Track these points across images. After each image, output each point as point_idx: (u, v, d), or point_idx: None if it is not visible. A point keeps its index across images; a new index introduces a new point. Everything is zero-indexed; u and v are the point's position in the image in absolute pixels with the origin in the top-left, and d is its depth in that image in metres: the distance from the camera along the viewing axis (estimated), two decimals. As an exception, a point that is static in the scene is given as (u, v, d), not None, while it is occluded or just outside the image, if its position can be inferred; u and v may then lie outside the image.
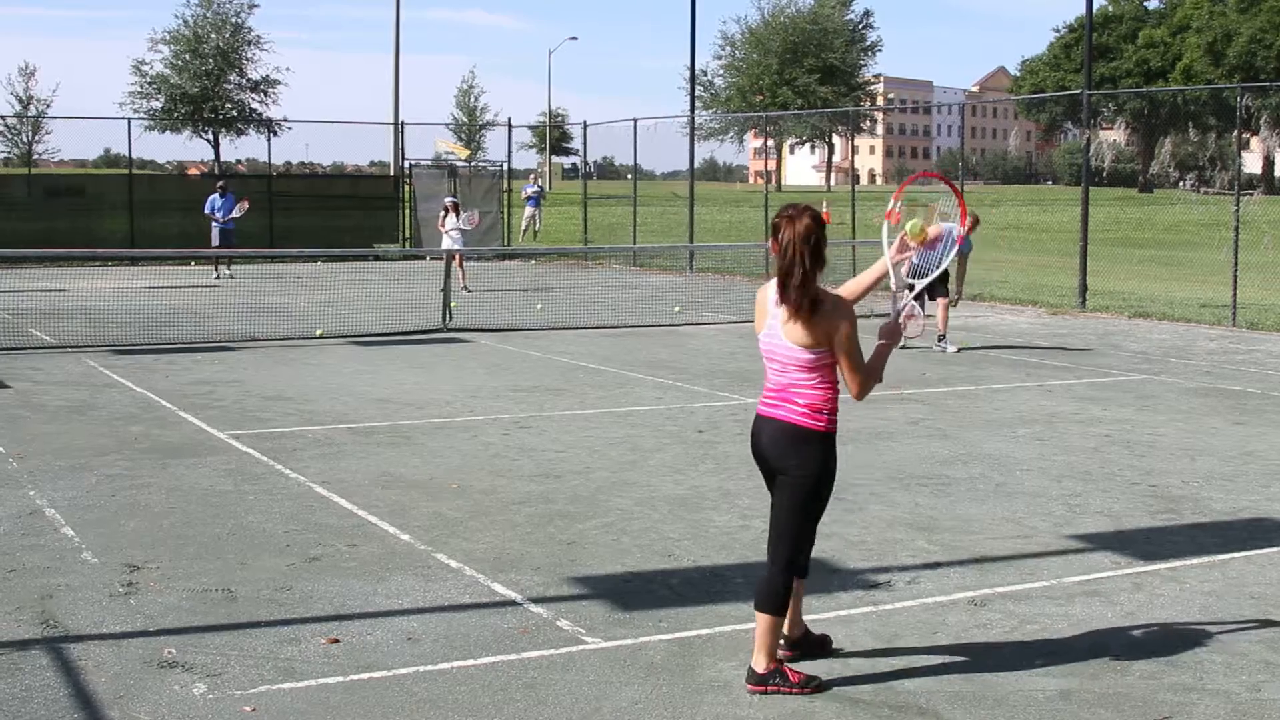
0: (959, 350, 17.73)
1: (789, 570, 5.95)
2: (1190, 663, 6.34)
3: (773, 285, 5.91)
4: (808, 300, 5.74)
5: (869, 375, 5.84)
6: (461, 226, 27.70)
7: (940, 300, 17.92)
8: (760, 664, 5.95)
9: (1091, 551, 8.27)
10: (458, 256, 26.40)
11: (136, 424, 12.27)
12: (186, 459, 10.72)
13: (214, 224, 30.22)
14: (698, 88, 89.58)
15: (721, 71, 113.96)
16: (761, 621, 5.95)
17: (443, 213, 28.65)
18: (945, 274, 17.95)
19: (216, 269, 31.05)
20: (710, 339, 19.58)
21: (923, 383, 14.93)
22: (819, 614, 6.96)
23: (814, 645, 6.41)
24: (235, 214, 30.14)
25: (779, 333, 5.85)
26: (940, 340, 17.91)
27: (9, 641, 6.48)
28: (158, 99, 79.31)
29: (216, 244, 29.89)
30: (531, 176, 53.83)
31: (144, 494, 9.53)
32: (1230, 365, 17.00)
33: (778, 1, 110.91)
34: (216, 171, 65.37)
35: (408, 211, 39.63)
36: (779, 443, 5.90)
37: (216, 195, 30.51)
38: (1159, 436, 12.10)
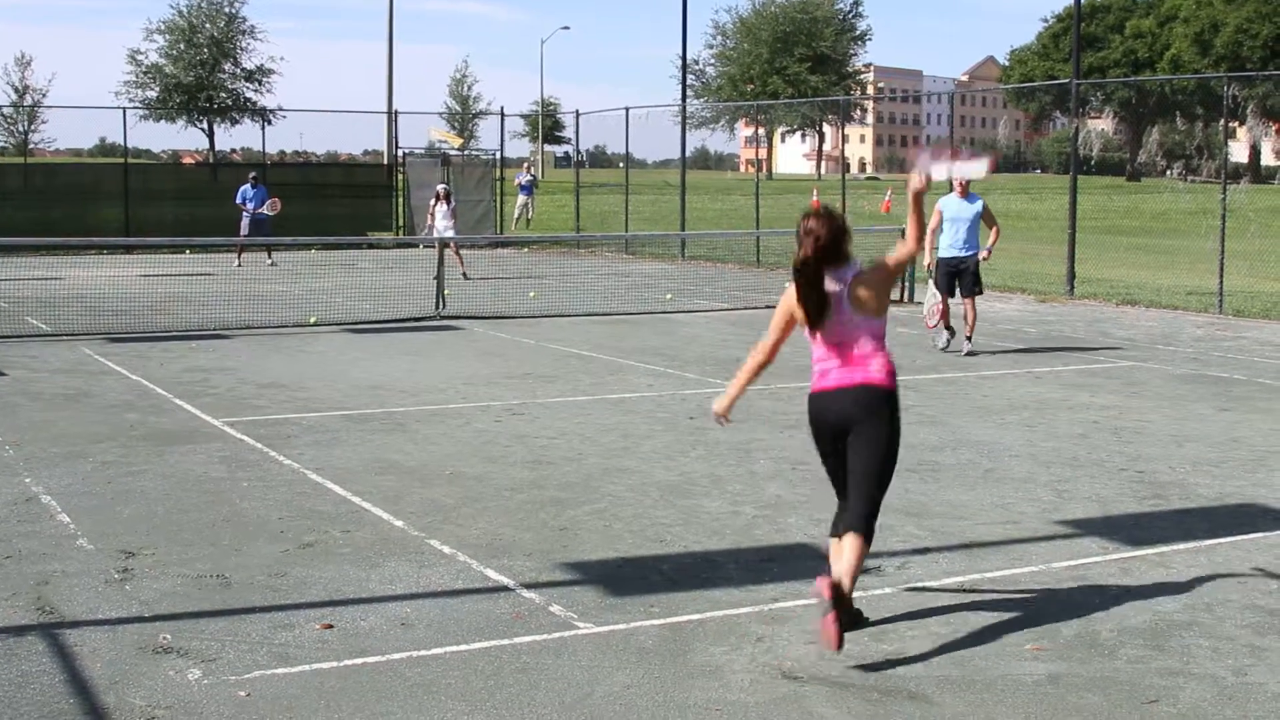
0: (969, 354, 16.41)
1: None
2: (1177, 647, 6.40)
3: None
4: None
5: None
6: (439, 220, 27.71)
7: (967, 300, 16.65)
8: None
9: (1079, 537, 8.33)
10: (452, 245, 26.48)
11: (131, 411, 12.30)
12: (181, 446, 10.75)
13: (244, 214, 30.25)
14: (689, 77, 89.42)
15: (713, 60, 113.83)
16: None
17: (434, 200, 28.66)
18: (977, 273, 16.72)
19: (239, 257, 31.06)
20: (702, 326, 19.61)
21: (912, 369, 14.97)
22: (809, 599, 7.01)
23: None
24: (265, 210, 30.13)
25: (849, 309, 6.46)
26: (967, 339, 16.62)
27: (5, 628, 6.51)
28: (153, 88, 79.24)
29: (246, 233, 29.86)
30: (524, 165, 53.80)
31: (139, 481, 9.56)
32: (1217, 352, 17.07)
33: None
34: (211, 160, 65.27)
35: (401, 200, 39.63)
36: (862, 403, 6.39)
37: (248, 186, 30.49)
38: (1146, 423, 12.16)
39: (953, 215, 16.75)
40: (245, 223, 30.15)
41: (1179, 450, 10.99)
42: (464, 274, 26.61)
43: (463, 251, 28.69)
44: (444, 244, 23.96)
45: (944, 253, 16.85)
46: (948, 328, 16.97)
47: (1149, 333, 19.20)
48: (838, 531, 6.50)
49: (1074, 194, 25.54)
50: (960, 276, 16.75)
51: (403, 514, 8.71)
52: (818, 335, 6.53)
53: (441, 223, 27.94)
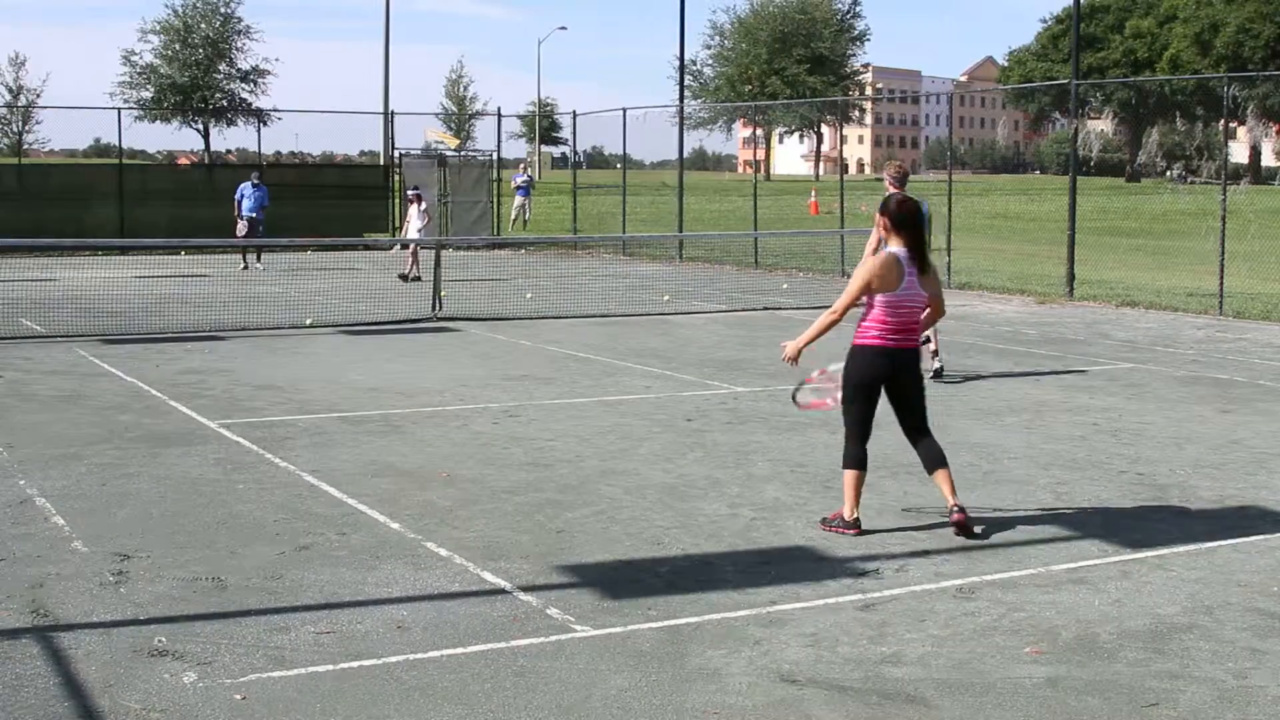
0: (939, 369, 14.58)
1: None
2: (1177, 650, 6.37)
3: (899, 251, 8.23)
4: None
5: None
6: (413, 219, 27.68)
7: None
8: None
9: (1079, 539, 8.31)
10: (413, 246, 26.66)
11: (126, 413, 12.26)
12: (177, 448, 10.72)
13: (240, 216, 30.08)
14: (687, 77, 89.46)
15: (711, 61, 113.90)
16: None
17: (408, 203, 28.62)
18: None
19: (244, 258, 30.85)
20: (700, 328, 19.58)
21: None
22: (808, 601, 7.00)
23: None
24: (240, 228, 29.81)
25: (919, 285, 8.21)
26: (935, 355, 14.60)
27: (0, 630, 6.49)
28: (147, 89, 79.23)
29: (244, 234, 29.64)
30: (521, 166, 53.81)
31: (134, 483, 9.53)
32: (1217, 354, 17.05)
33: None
34: (207, 161, 65.23)
35: (397, 201, 39.54)
36: (915, 364, 8.43)
37: (247, 184, 30.26)
38: (1146, 425, 12.14)
39: None
40: (242, 224, 29.97)
41: (1179, 452, 10.96)
42: (416, 276, 26.54)
43: (459, 252, 28.65)
44: (418, 246, 24.17)
45: None
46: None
47: (1149, 334, 19.18)
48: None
49: (1073, 195, 25.52)
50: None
51: (399, 516, 8.68)
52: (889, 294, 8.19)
53: (417, 223, 27.81)
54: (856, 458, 8.39)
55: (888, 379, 8.35)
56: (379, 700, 5.70)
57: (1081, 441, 11.34)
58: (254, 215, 29.95)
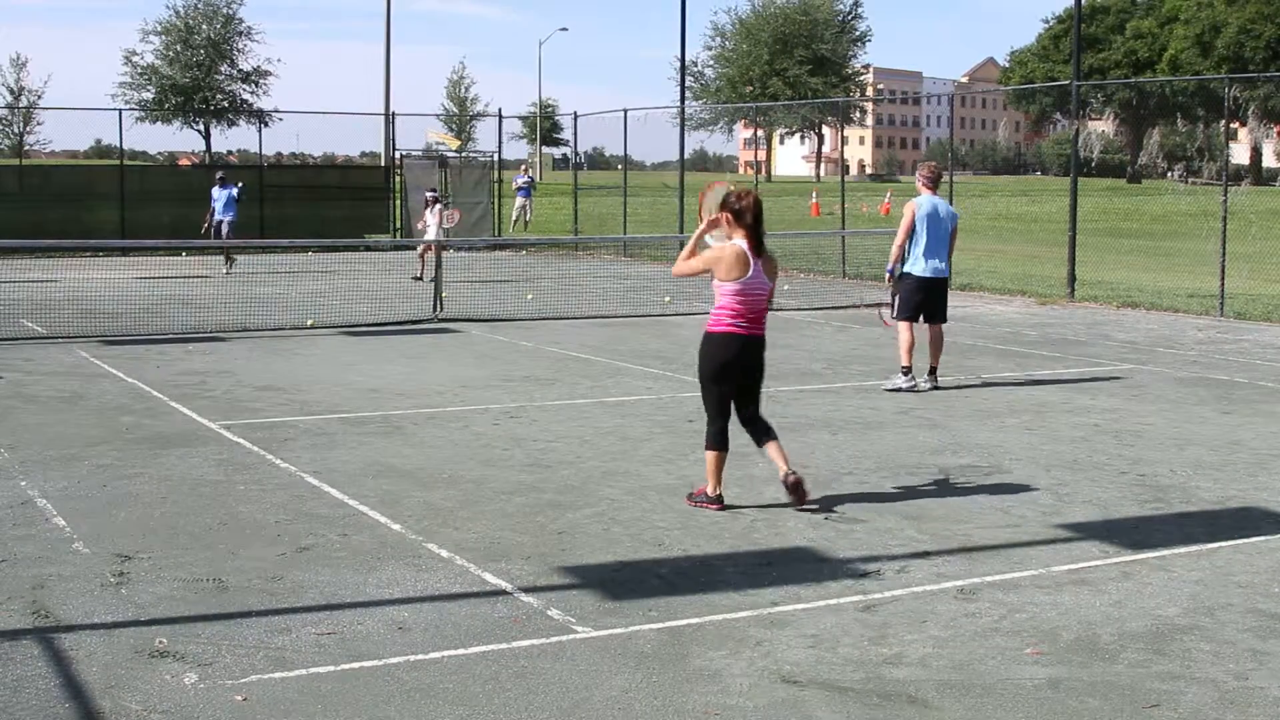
0: (934, 388, 14.01)
1: None
2: (1178, 651, 6.37)
3: (743, 244, 8.86)
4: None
5: None
6: (431, 221, 27.65)
7: (935, 327, 14.25)
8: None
9: (1080, 540, 8.30)
10: (431, 247, 26.61)
11: (128, 414, 12.26)
12: (178, 449, 10.72)
13: (211, 216, 29.93)
14: (688, 78, 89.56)
15: (712, 62, 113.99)
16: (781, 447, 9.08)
17: (424, 205, 28.66)
18: (944, 299, 14.27)
19: (227, 261, 30.57)
20: (700, 329, 19.50)
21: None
22: (809, 602, 6.99)
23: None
24: (210, 224, 29.67)
25: (763, 274, 8.88)
26: (931, 374, 14.15)
27: (0, 632, 6.48)
28: (149, 90, 79.36)
29: (220, 235, 29.49)
30: (522, 167, 53.76)
31: (135, 484, 9.53)
32: (1218, 355, 17.04)
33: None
34: (208, 162, 65.26)
35: (398, 202, 39.56)
36: (761, 351, 9.07)
37: (215, 187, 30.17)
38: (1147, 426, 12.14)
39: (933, 220, 14.05)
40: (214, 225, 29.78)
41: (1180, 453, 10.96)
42: (419, 276, 26.61)
43: (459, 254, 28.64)
44: (428, 246, 24.10)
45: (921, 270, 14.07)
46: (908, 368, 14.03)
47: (1150, 335, 19.18)
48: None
49: (1074, 196, 25.53)
50: (933, 301, 14.24)
51: (400, 517, 8.68)
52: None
53: (434, 225, 27.85)
54: (718, 438, 8.98)
55: (738, 364, 8.96)
56: (380, 701, 5.70)
57: (1082, 443, 11.33)
58: (224, 217, 29.79)
